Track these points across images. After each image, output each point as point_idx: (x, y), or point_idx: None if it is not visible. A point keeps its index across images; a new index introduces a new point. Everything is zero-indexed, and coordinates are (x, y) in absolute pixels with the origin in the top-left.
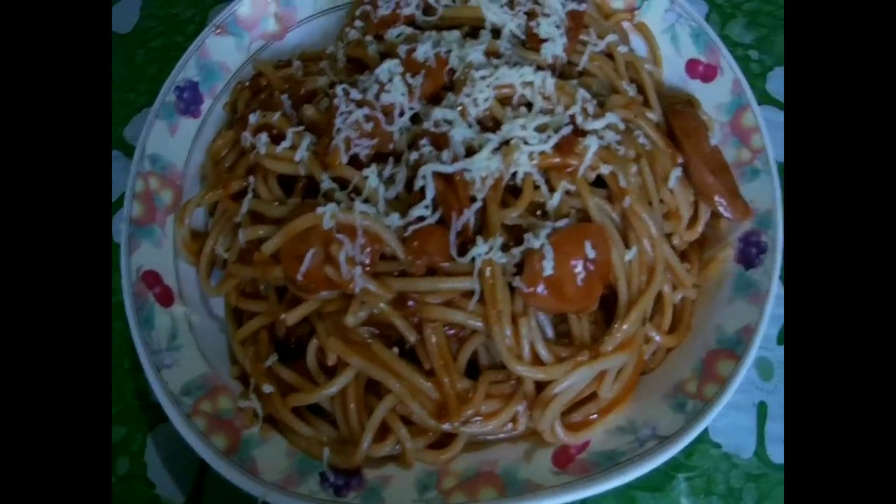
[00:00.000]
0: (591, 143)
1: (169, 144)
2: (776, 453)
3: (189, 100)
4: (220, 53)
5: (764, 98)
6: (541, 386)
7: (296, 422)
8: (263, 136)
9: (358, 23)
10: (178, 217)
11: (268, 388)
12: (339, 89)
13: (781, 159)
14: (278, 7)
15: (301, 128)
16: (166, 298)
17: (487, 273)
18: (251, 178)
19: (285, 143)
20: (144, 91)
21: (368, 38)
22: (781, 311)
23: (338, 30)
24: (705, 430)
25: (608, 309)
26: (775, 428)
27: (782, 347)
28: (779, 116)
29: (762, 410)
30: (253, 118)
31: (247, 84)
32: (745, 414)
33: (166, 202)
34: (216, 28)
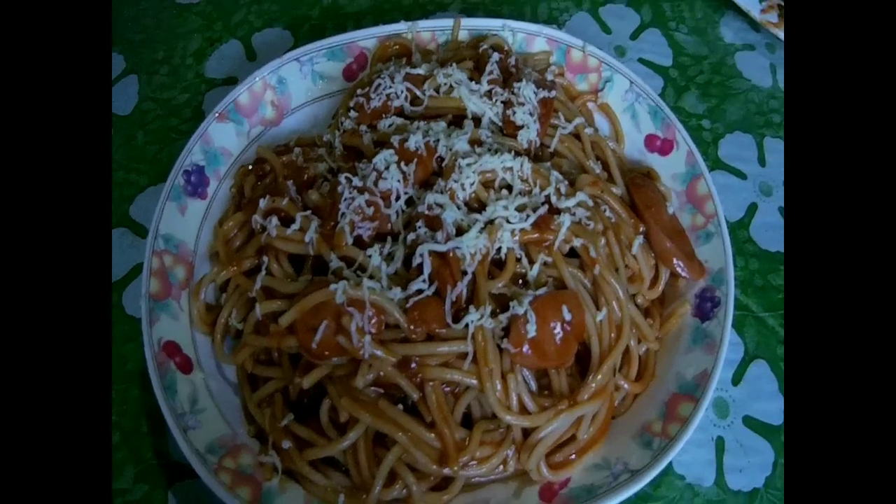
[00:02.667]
0: (565, 220)
1: (180, 224)
2: (733, 481)
3: (196, 182)
4: (222, 139)
5: (716, 164)
6: (527, 432)
7: (312, 473)
8: (274, 220)
9: (352, 113)
10: (193, 292)
11: (286, 444)
12: (341, 178)
13: (734, 219)
14: (274, 95)
15: (307, 211)
16: (186, 366)
17: (479, 337)
18: (264, 258)
19: (295, 226)
20: (145, 171)
21: (362, 127)
22: (736, 356)
23: (328, 116)
24: (670, 465)
25: (582, 363)
26: (732, 459)
27: (736, 388)
28: (730, 180)
29: (720, 445)
30: (262, 203)
31: (250, 168)
32: (704, 449)
33: (180, 278)
34: (217, 115)
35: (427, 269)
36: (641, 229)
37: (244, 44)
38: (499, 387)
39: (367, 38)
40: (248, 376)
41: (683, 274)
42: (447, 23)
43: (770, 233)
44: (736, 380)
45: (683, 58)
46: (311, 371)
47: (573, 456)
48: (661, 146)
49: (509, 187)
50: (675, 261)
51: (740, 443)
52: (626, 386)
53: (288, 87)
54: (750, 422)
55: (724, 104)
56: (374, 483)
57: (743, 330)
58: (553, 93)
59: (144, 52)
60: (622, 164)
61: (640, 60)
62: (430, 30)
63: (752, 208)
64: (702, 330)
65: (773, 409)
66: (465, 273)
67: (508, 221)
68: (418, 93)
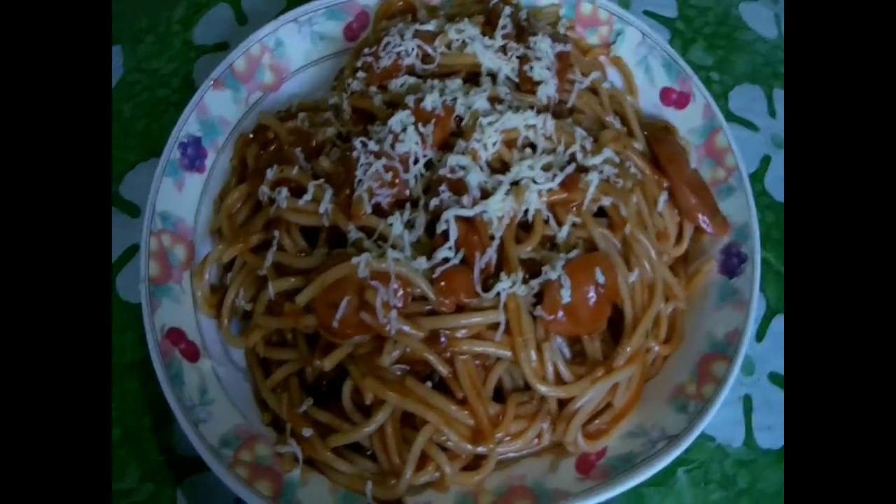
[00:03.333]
0: (593, 179)
1: (177, 201)
2: (763, 440)
3: (193, 155)
4: (219, 107)
5: (728, 116)
6: (562, 402)
7: (336, 461)
8: (283, 191)
9: (360, 73)
10: (196, 273)
11: (307, 432)
12: (356, 142)
13: (750, 171)
14: (273, 58)
15: (319, 180)
16: (192, 354)
17: (512, 306)
18: (276, 232)
19: (307, 197)
20: (134, 146)
21: (372, 88)
22: (758, 312)
23: (329, 78)
24: None
25: (612, 327)
26: (760, 417)
27: (760, 344)
28: (742, 132)
29: (747, 403)
30: (270, 173)
31: (250, 137)
32: (732, 408)
33: (180, 258)
34: (213, 82)
35: (454, 236)
36: (665, 185)
37: (234, 7)
38: (534, 357)
39: None
40: (259, 360)
41: (708, 230)
42: None
43: None
44: (759, 336)
45: (689, 9)
46: (331, 351)
47: (607, 424)
48: (677, 99)
49: (531, 146)
50: (700, 216)
51: (767, 400)
52: (656, 348)
53: (286, 50)
54: (775, 378)
55: (732, 56)
56: (404, 467)
57: (764, 284)
58: (569, 46)
59: (126, 21)
60: (639, 118)
61: (646, 13)
62: None
63: (766, 161)
64: (730, 286)
65: None
66: (492, 238)
67: (535, 182)
68: (429, 50)
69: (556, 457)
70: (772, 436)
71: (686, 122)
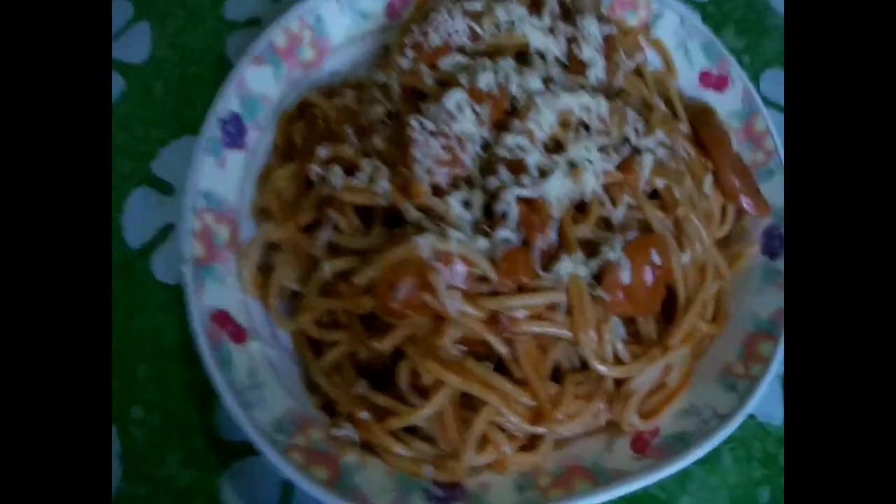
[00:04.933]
0: (648, 160)
1: (219, 179)
2: None
3: (234, 132)
4: (260, 84)
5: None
6: (619, 382)
7: (395, 444)
8: (337, 170)
9: (409, 52)
10: (243, 253)
11: (364, 415)
12: (413, 121)
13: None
14: (312, 35)
15: (373, 159)
16: (239, 336)
17: (574, 287)
18: (331, 212)
19: (362, 176)
20: (168, 124)
21: (423, 67)
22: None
23: (369, 56)
24: None
25: (664, 307)
26: None
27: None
28: (774, 116)
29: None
30: (322, 151)
31: (295, 115)
32: (771, 386)
33: (224, 238)
34: (254, 58)
35: (514, 217)
36: (710, 167)
37: None
38: (594, 337)
39: None
40: (309, 342)
41: (751, 212)
42: None
43: None
44: None
45: None
46: (387, 332)
47: (661, 403)
48: (716, 83)
49: (584, 127)
50: (742, 199)
51: None
52: (703, 327)
53: (326, 27)
54: None
55: (761, 40)
56: (464, 449)
57: None
58: (614, 28)
59: None
60: (682, 101)
61: None
62: None
63: None
64: (772, 268)
65: None
66: (551, 219)
67: (591, 163)
68: (478, 29)
69: (610, 436)
70: None
71: (725, 105)
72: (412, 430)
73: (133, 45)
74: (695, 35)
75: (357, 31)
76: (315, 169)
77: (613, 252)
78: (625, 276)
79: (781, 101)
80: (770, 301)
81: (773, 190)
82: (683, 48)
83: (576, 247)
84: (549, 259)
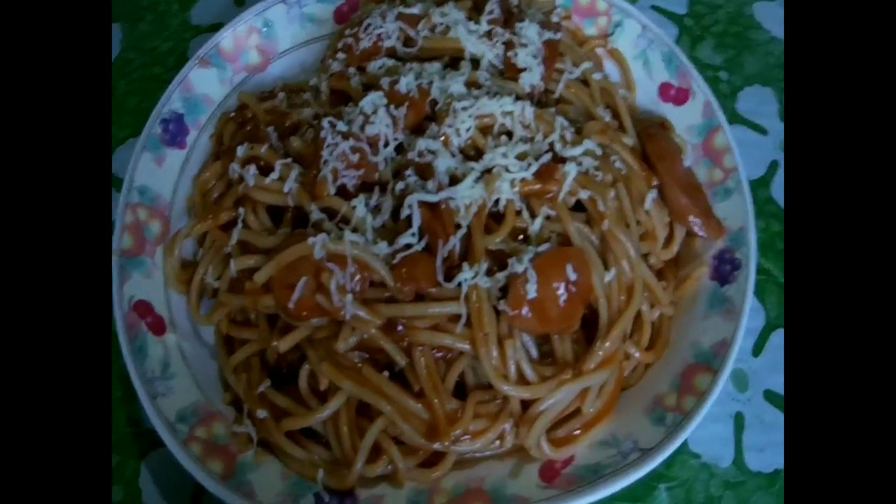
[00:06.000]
0: (570, 170)
1: (156, 176)
2: (753, 461)
3: (174, 131)
4: (204, 85)
5: (734, 118)
6: (526, 404)
7: (290, 445)
8: (252, 168)
9: (340, 55)
10: (167, 248)
11: (262, 413)
12: (324, 122)
13: (753, 177)
14: (260, 39)
15: (288, 159)
16: (158, 327)
17: (474, 297)
18: (240, 209)
19: (273, 175)
20: (126, 123)
21: (351, 69)
22: (756, 324)
23: (318, 61)
24: (685, 442)
25: (589, 328)
26: (752, 437)
27: (757, 359)
28: (750, 135)
29: (739, 421)
30: (240, 150)
31: (231, 116)
32: (722, 425)
33: (155, 233)
34: (199, 60)
35: (416, 222)
36: (654, 183)
37: None
38: (495, 353)
39: None
40: (224, 339)
41: (700, 232)
42: None
43: None
44: (756, 350)
45: (699, 6)
46: (288, 333)
47: (577, 431)
48: (676, 95)
49: (509, 134)
50: (690, 218)
51: (761, 419)
52: (636, 354)
53: (275, 31)
54: (771, 396)
55: (742, 56)
56: (356, 457)
57: (764, 296)
58: (559, 34)
59: (128, 0)
60: (633, 112)
61: (654, 8)
62: None
63: (774, 166)
64: (720, 294)
65: None
66: (458, 226)
67: (508, 170)
68: (412, 33)
69: (519, 461)
70: (764, 458)
71: (684, 119)
72: (313, 435)
73: None
74: (655, 45)
75: (305, 36)
76: (234, 167)
77: (520, 264)
78: (531, 290)
79: (759, 121)
80: (715, 330)
81: (730, 211)
82: (643, 59)
83: (480, 256)
84: (455, 269)
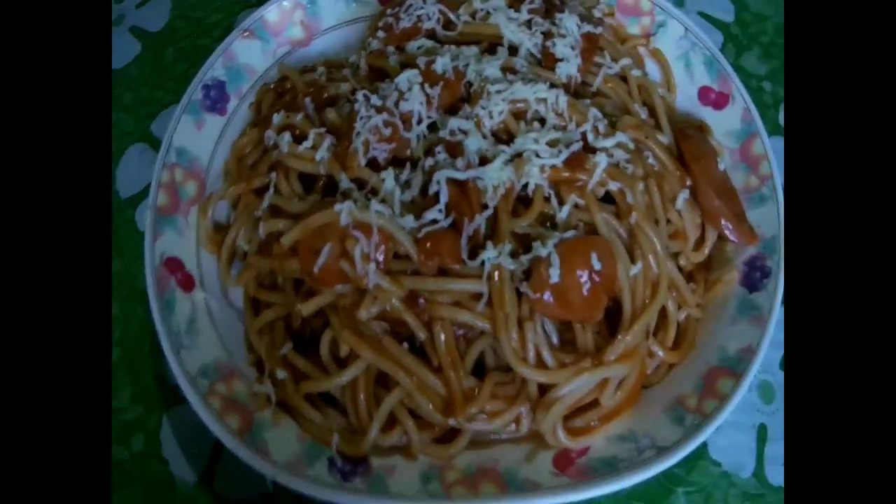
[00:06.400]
0: (601, 160)
1: (195, 139)
2: (775, 475)
3: (215, 98)
4: (247, 56)
5: (775, 129)
6: (544, 389)
7: (307, 408)
8: (286, 136)
9: (380, 33)
10: (201, 208)
11: (281, 374)
12: (359, 95)
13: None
14: (304, 15)
15: (323, 129)
16: (187, 284)
17: (496, 277)
18: (273, 175)
19: (307, 143)
20: (172, 89)
21: (390, 48)
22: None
23: (359, 40)
24: (706, 448)
25: (613, 321)
26: (775, 450)
27: (783, 373)
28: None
29: (762, 432)
30: (276, 118)
31: (271, 86)
32: (745, 434)
33: (190, 193)
34: (244, 31)
35: (444, 198)
36: (688, 183)
37: None
38: (514, 335)
39: None
40: (251, 301)
41: (731, 237)
42: None
43: None
44: (784, 363)
45: (746, 14)
46: (312, 298)
47: (595, 423)
48: (716, 100)
49: (542, 121)
50: (723, 221)
51: None
52: (660, 353)
53: (319, 8)
54: None
55: None
56: (370, 425)
57: None
58: (599, 29)
59: None
60: (672, 113)
61: (700, 13)
62: None
63: None
64: (749, 301)
65: None
66: (485, 206)
67: (538, 156)
68: (452, 16)
69: (535, 447)
70: None
71: (723, 123)
72: (331, 402)
73: (153, 15)
74: (698, 49)
75: (349, 15)
76: (270, 134)
77: (544, 248)
78: (553, 275)
79: None
80: (741, 336)
81: (764, 218)
82: (685, 61)
83: (505, 237)
84: (479, 248)
